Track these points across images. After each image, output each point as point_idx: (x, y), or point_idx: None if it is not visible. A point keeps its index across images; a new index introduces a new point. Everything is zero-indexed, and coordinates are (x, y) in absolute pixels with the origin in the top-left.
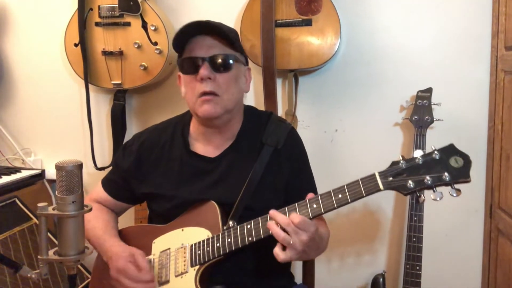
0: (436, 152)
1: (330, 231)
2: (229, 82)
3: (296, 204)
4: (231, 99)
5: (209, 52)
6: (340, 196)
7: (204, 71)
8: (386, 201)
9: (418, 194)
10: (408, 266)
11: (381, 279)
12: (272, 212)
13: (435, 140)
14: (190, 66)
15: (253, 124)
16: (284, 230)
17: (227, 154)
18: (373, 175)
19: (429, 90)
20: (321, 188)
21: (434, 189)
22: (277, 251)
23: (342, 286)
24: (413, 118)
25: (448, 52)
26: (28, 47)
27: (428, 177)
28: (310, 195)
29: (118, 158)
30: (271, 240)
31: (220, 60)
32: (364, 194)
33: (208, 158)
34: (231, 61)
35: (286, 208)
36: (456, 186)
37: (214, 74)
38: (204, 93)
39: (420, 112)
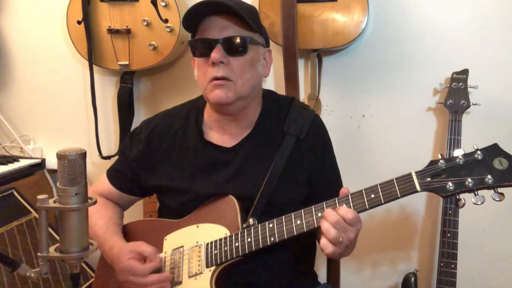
0: (478, 152)
1: None
2: (244, 67)
3: (324, 203)
4: (246, 85)
5: (222, 33)
6: (372, 196)
7: (216, 54)
8: (418, 200)
9: (457, 197)
10: (442, 264)
11: (412, 278)
12: (326, 210)
13: (471, 126)
14: (202, 48)
15: (273, 111)
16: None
17: (245, 144)
18: (409, 175)
19: (465, 72)
20: (347, 180)
21: (476, 193)
22: (326, 242)
23: (369, 286)
24: (448, 103)
25: (486, 30)
26: (27, 25)
27: (469, 179)
28: (343, 192)
29: (125, 146)
30: (295, 238)
31: (234, 42)
32: (399, 195)
33: (224, 148)
34: (247, 43)
35: (313, 206)
36: (500, 190)
37: (227, 57)
38: (216, 78)
39: (455, 95)
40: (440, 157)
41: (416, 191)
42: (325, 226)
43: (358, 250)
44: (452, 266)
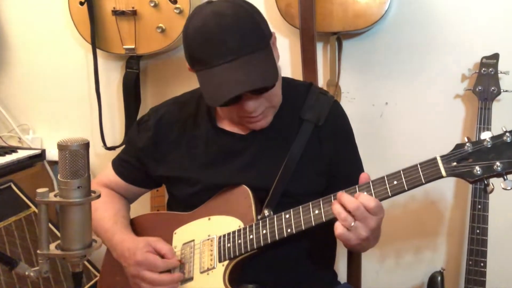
0: (508, 134)
1: None
2: (277, 88)
3: (344, 191)
4: (279, 97)
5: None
6: (395, 182)
7: (250, 106)
8: (444, 186)
9: (486, 182)
10: (470, 263)
11: (439, 278)
12: (340, 192)
13: (502, 114)
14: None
15: (290, 97)
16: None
17: (260, 132)
18: (434, 159)
19: (496, 56)
20: (368, 172)
21: (505, 177)
22: (338, 225)
23: (393, 287)
24: (477, 89)
25: None
26: (26, 6)
27: (498, 163)
28: (364, 177)
29: (132, 135)
30: (313, 231)
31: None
32: (423, 181)
33: (238, 135)
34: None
35: (332, 195)
36: None
37: (260, 98)
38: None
39: (485, 81)
40: (466, 140)
41: (441, 177)
42: (336, 208)
43: (380, 247)
44: (481, 264)
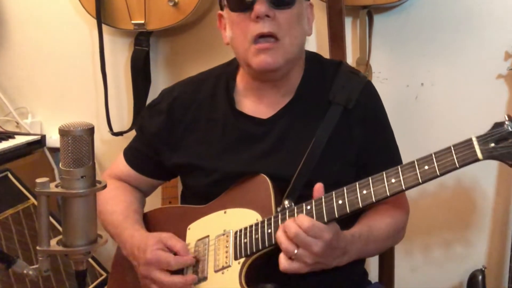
0: None
1: (408, 215)
2: (292, 22)
3: (370, 178)
4: (294, 44)
5: None
6: (426, 167)
7: (261, 6)
8: (485, 174)
9: None
10: None
11: (480, 277)
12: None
13: None
14: (239, 0)
15: (318, 76)
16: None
17: (283, 115)
18: (469, 140)
19: None
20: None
21: None
22: (281, 257)
23: (429, 286)
24: None
25: None
26: None
27: None
28: (316, 189)
29: (143, 120)
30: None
31: None
32: (457, 165)
33: (259, 119)
34: None
35: (357, 183)
36: None
37: (273, 10)
38: (261, 36)
39: None
40: (506, 118)
41: (478, 160)
42: (278, 237)
43: (414, 244)
44: None
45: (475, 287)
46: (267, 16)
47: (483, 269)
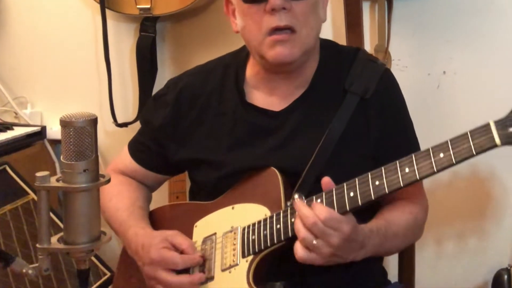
0: None
1: (427, 211)
2: (308, 12)
3: (382, 168)
4: (311, 35)
5: None
6: (441, 155)
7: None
8: (506, 162)
9: None
10: None
11: (505, 276)
12: (298, 202)
13: None
14: None
15: (334, 65)
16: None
17: (297, 107)
18: (487, 125)
19: None
20: None
21: None
22: (297, 246)
23: (451, 286)
24: None
25: None
26: None
27: None
28: (325, 183)
29: (147, 112)
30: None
31: None
32: (474, 152)
33: (271, 112)
34: None
35: (370, 173)
36: None
37: (289, 2)
38: (277, 29)
39: None
40: None
41: (496, 146)
42: (296, 224)
43: (434, 241)
44: None
45: (501, 287)
46: (284, 8)
47: (509, 268)
